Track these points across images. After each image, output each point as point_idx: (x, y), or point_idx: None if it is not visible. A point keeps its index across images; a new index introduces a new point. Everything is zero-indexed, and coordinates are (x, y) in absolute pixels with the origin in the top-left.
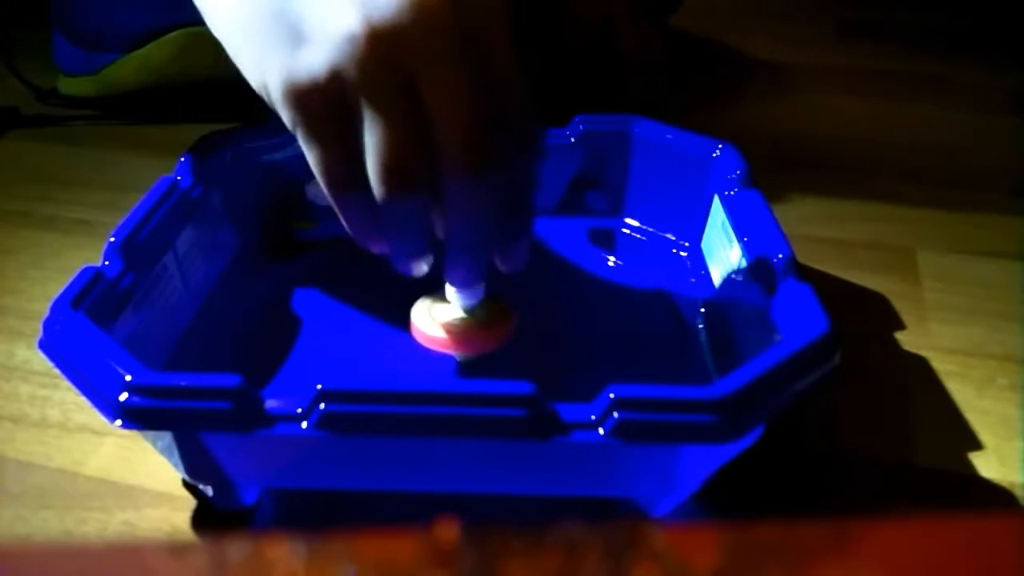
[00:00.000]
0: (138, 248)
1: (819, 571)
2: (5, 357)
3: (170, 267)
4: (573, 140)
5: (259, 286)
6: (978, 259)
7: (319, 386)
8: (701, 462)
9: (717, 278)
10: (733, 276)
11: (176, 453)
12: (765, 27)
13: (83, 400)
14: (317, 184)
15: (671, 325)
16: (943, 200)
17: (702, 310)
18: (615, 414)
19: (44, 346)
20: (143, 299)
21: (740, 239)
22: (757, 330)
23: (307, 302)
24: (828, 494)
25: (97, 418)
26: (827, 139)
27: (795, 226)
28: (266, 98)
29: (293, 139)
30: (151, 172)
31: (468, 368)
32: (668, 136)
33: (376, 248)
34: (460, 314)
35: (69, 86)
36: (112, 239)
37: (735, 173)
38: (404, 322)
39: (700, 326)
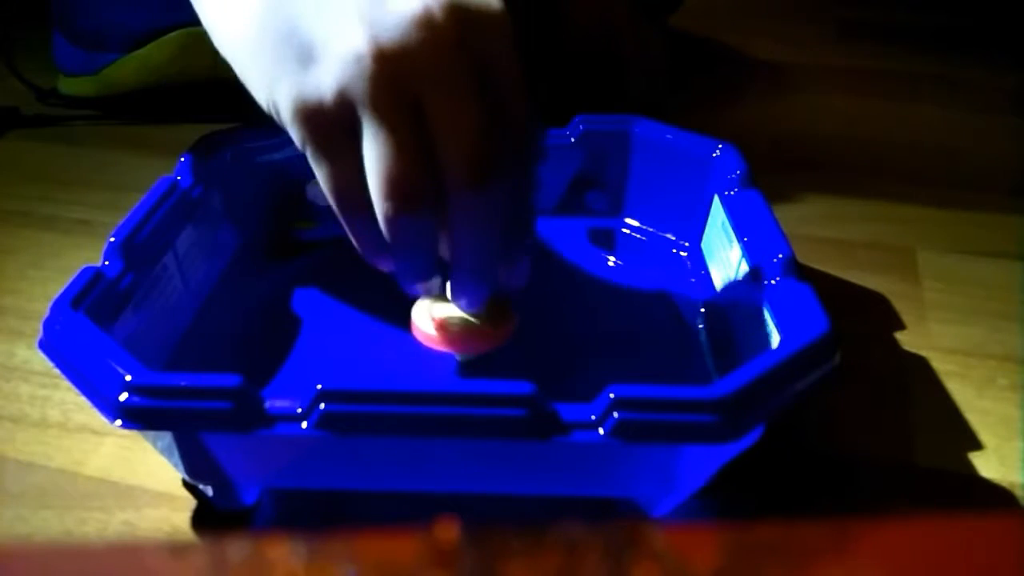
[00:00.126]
0: (138, 248)
1: (819, 571)
2: (5, 357)
3: (170, 267)
4: (573, 140)
5: (259, 286)
6: (978, 259)
7: (319, 386)
8: (701, 462)
9: (717, 278)
10: (733, 276)
11: (176, 453)
12: (765, 27)
13: (83, 400)
14: (317, 184)
15: (671, 325)
16: (943, 200)
17: (702, 310)
18: (615, 414)
19: (44, 346)
20: (143, 299)
21: (740, 239)
22: (757, 330)
23: (307, 302)
24: (828, 494)
25: (97, 418)
26: (827, 139)
27: (795, 226)
28: (275, 117)
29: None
30: (151, 172)
31: (468, 368)
32: (668, 136)
33: (384, 267)
34: (460, 313)
35: (69, 86)
36: (112, 239)
37: (735, 173)
38: (404, 322)
39: (700, 326)
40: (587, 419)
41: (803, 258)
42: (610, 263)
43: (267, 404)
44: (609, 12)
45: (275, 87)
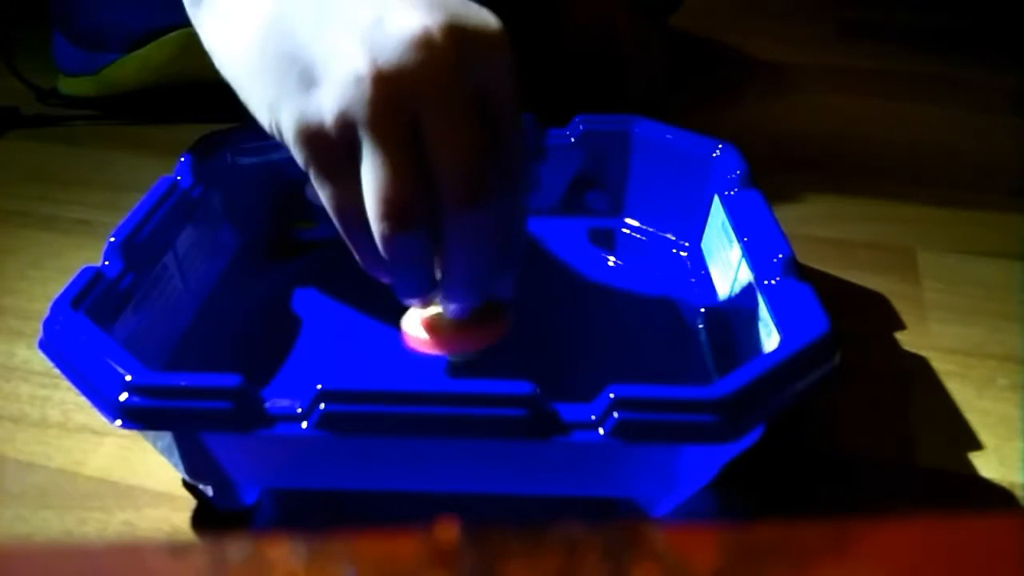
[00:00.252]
0: (138, 248)
1: (819, 571)
2: (5, 357)
3: (170, 267)
4: (573, 140)
5: (259, 286)
6: (978, 259)
7: (319, 386)
8: (701, 462)
9: (717, 278)
10: (733, 276)
11: (176, 453)
12: (765, 27)
13: (83, 400)
14: None
15: (671, 325)
16: (943, 200)
17: (702, 310)
18: (615, 414)
19: (44, 346)
20: (143, 299)
21: (740, 239)
22: (757, 330)
23: (307, 302)
24: (828, 494)
25: (97, 418)
26: (827, 139)
27: (795, 226)
28: (279, 138)
29: None
30: (151, 172)
31: (460, 369)
32: (668, 136)
33: (385, 279)
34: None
35: (69, 86)
36: (112, 239)
37: (735, 173)
38: None
39: (700, 326)
40: (587, 419)
41: (803, 258)
42: (610, 263)
43: (267, 404)
44: (609, 12)
45: (278, 110)
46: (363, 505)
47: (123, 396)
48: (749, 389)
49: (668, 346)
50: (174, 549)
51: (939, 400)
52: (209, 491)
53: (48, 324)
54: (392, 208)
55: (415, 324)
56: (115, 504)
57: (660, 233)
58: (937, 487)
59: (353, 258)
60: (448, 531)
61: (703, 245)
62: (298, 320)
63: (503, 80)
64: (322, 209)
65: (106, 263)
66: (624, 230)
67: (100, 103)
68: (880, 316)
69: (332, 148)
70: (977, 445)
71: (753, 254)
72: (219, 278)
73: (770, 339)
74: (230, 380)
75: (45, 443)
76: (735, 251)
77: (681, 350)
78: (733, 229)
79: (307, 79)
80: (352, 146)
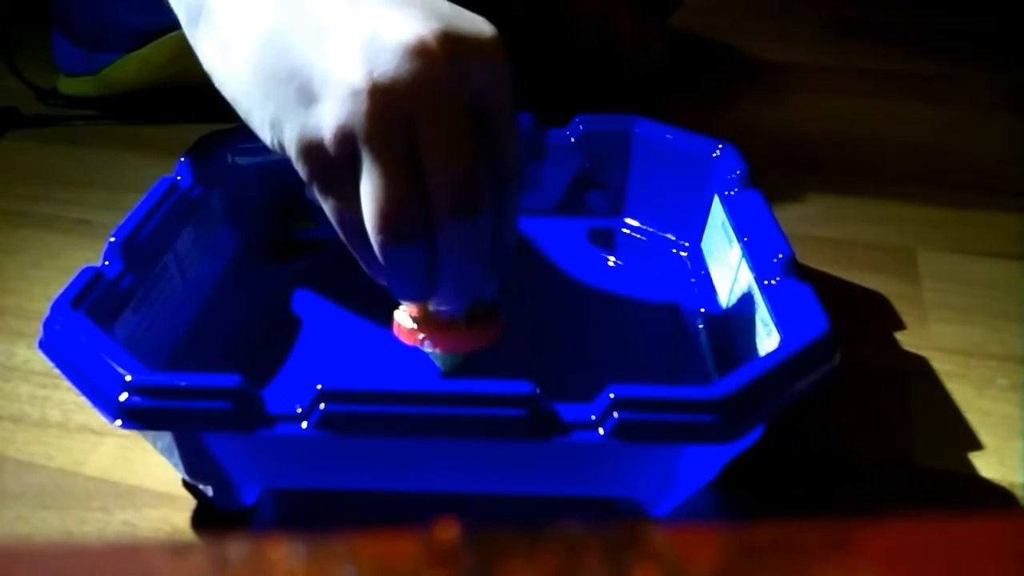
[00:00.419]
0: (138, 248)
1: (819, 572)
2: (5, 357)
3: (170, 267)
4: (573, 140)
5: (259, 286)
6: (978, 259)
7: (319, 386)
8: (701, 462)
9: (717, 278)
10: (733, 276)
11: (176, 453)
12: (765, 27)
13: (83, 400)
14: None
15: (671, 325)
16: (943, 200)
17: (702, 310)
18: (615, 414)
19: (44, 346)
20: (143, 299)
21: (740, 239)
22: (757, 330)
23: (307, 302)
24: (828, 494)
25: (97, 418)
26: (827, 139)
27: (795, 226)
28: (281, 153)
29: None
30: (151, 172)
31: (466, 368)
32: (668, 136)
33: (386, 283)
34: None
35: (69, 86)
36: (112, 239)
37: (735, 173)
38: None
39: (700, 326)
40: (587, 419)
41: (803, 258)
42: (610, 263)
43: (267, 404)
44: (609, 11)
45: (279, 127)
46: (363, 505)
47: (123, 396)
48: (749, 389)
49: (668, 346)
50: (174, 549)
51: (939, 400)
52: (209, 491)
53: (48, 324)
54: (387, 220)
55: (406, 316)
56: (115, 504)
57: (660, 233)
58: (937, 487)
59: (353, 258)
60: (448, 531)
61: (703, 245)
62: (298, 320)
63: (498, 86)
64: (322, 210)
65: (106, 263)
66: (624, 230)
67: (100, 103)
68: (880, 316)
69: (332, 162)
70: (977, 445)
71: (753, 254)
72: (219, 278)
73: (770, 339)
74: (230, 380)
75: (45, 443)
76: (735, 251)
77: (681, 350)
78: (733, 229)
79: (306, 95)
80: (352, 159)
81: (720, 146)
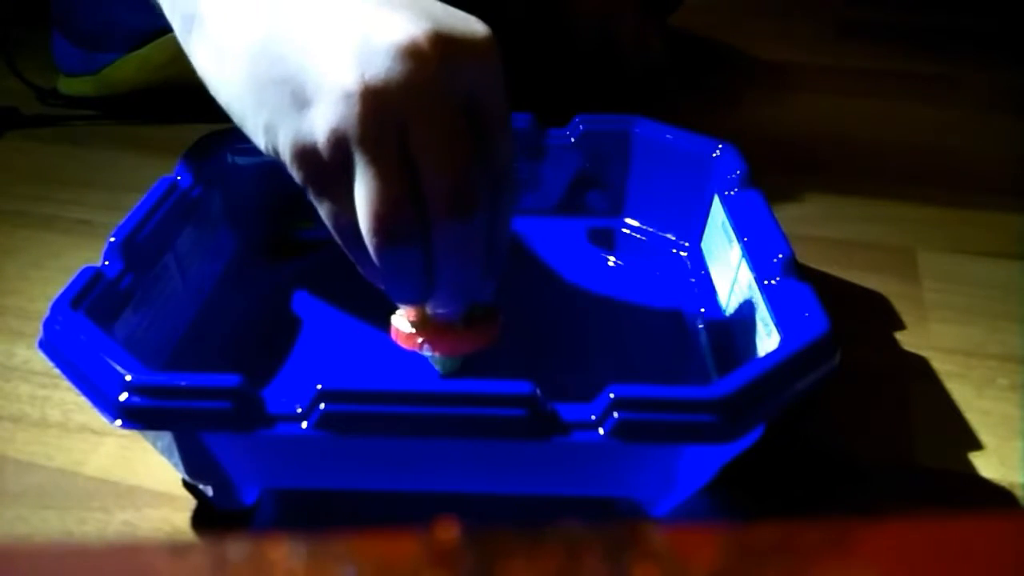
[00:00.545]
0: (138, 248)
1: (819, 571)
2: (5, 357)
3: (170, 267)
4: (573, 140)
5: (259, 286)
6: (978, 259)
7: (319, 386)
8: (701, 462)
9: (717, 278)
10: (733, 276)
11: (176, 453)
12: (765, 27)
13: (83, 400)
14: None
15: (671, 325)
16: (943, 200)
17: (702, 310)
18: (615, 414)
19: (44, 346)
20: (143, 299)
21: (740, 239)
22: (757, 330)
23: (307, 302)
24: (828, 494)
25: (97, 418)
26: (827, 139)
27: (795, 226)
28: (276, 158)
29: None
30: (151, 172)
31: (466, 369)
32: (668, 136)
33: (383, 286)
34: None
35: (69, 86)
36: (112, 239)
37: (735, 173)
38: None
39: (700, 326)
40: (587, 419)
41: (803, 258)
42: (610, 263)
43: (267, 404)
44: (610, 11)
45: (273, 132)
46: (363, 505)
47: (123, 396)
48: (749, 389)
49: (668, 346)
50: (174, 549)
51: (939, 400)
52: (209, 491)
53: (48, 324)
54: (381, 223)
55: (404, 320)
56: (115, 504)
57: (660, 233)
58: (937, 487)
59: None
60: (448, 531)
61: (703, 245)
62: (298, 320)
63: (492, 86)
64: None
65: (106, 263)
66: (624, 230)
67: (100, 103)
68: (880, 316)
69: (327, 166)
70: (977, 445)
71: (753, 254)
72: (219, 278)
73: (770, 339)
74: (230, 380)
75: (45, 443)
76: (735, 251)
77: (681, 350)
78: (733, 229)
79: (300, 100)
80: (346, 162)
81: (720, 146)
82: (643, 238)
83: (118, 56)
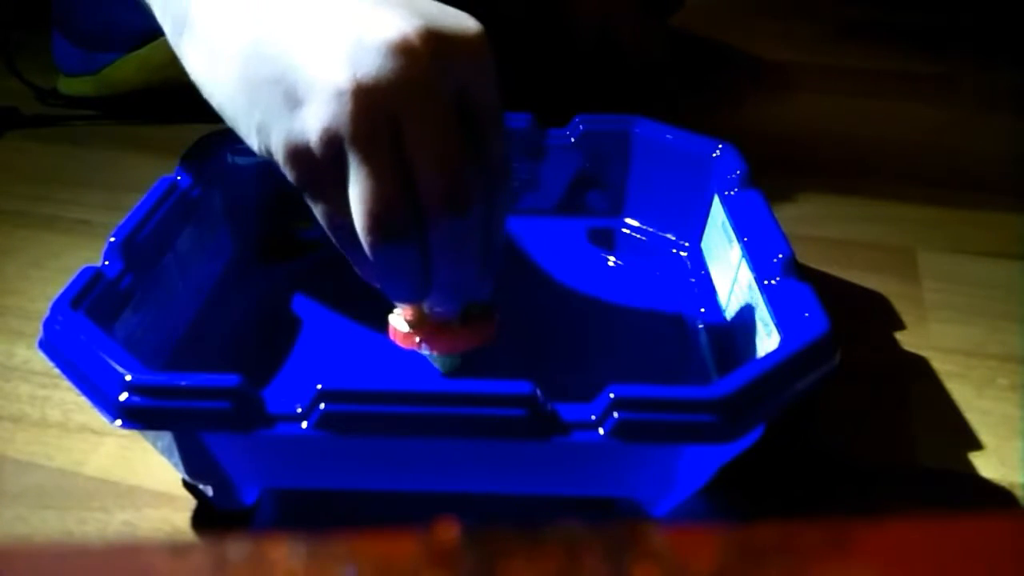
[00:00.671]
0: (138, 248)
1: (819, 571)
2: (5, 357)
3: (170, 267)
4: (573, 140)
5: (259, 286)
6: (978, 259)
7: (319, 386)
8: (701, 462)
9: (717, 278)
10: (733, 276)
11: (176, 453)
12: (765, 27)
13: (83, 400)
14: None
15: (671, 325)
16: (943, 200)
17: (702, 310)
18: (615, 414)
19: (44, 346)
20: (143, 299)
21: (740, 239)
22: (757, 330)
23: (307, 302)
24: (828, 494)
25: (97, 418)
26: (827, 139)
27: (795, 226)
28: (270, 159)
29: None
30: (151, 172)
31: (466, 369)
32: (668, 136)
33: (379, 285)
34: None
35: (69, 86)
36: (112, 239)
37: (735, 173)
38: None
39: (700, 326)
40: (587, 419)
41: (803, 258)
42: (610, 263)
43: (267, 404)
44: (610, 11)
45: (266, 133)
46: (363, 505)
47: (123, 396)
48: (749, 389)
49: (668, 346)
50: (174, 549)
51: (939, 400)
52: (209, 491)
53: (48, 324)
54: (375, 221)
55: (401, 320)
56: (115, 504)
57: (660, 233)
58: (937, 487)
59: None
60: (448, 531)
61: (703, 245)
62: (297, 320)
63: (484, 83)
64: None
65: (106, 263)
66: (624, 230)
67: (100, 103)
68: (880, 316)
69: (320, 166)
70: (977, 445)
71: (753, 254)
72: (219, 278)
73: (770, 339)
74: (230, 380)
75: (45, 443)
76: (735, 251)
77: (681, 350)
78: (733, 229)
79: (292, 100)
80: (339, 161)
81: (720, 146)
82: (643, 238)
83: (118, 56)
